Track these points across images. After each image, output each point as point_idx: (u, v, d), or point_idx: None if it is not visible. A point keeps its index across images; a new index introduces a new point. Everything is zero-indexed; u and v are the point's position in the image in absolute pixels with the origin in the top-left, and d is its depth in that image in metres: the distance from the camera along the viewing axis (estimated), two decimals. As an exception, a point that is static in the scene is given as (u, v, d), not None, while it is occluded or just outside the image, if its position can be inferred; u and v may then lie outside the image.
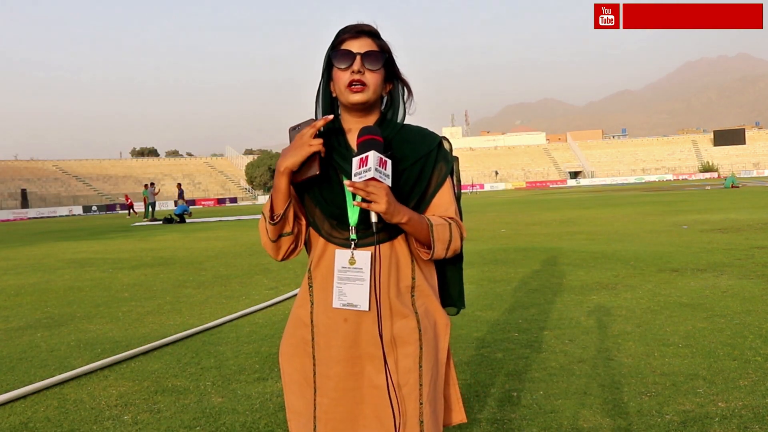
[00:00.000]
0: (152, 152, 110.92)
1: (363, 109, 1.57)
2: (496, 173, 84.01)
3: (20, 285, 8.42)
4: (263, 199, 69.25)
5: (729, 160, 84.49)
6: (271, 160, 74.23)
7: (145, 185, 31.43)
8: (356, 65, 1.52)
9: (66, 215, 53.45)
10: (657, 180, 74.45)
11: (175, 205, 26.25)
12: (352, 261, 1.50)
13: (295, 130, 1.51)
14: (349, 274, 1.50)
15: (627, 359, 3.74)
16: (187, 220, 25.69)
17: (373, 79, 1.53)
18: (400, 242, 1.54)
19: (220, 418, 3.15)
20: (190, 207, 34.03)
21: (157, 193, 30.25)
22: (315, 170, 1.49)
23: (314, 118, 1.54)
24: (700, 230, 11.07)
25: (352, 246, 1.50)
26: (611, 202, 23.97)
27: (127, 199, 40.57)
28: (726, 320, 4.53)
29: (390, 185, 1.44)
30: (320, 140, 1.47)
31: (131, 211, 39.50)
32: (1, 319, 6.10)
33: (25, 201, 60.40)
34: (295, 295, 6.65)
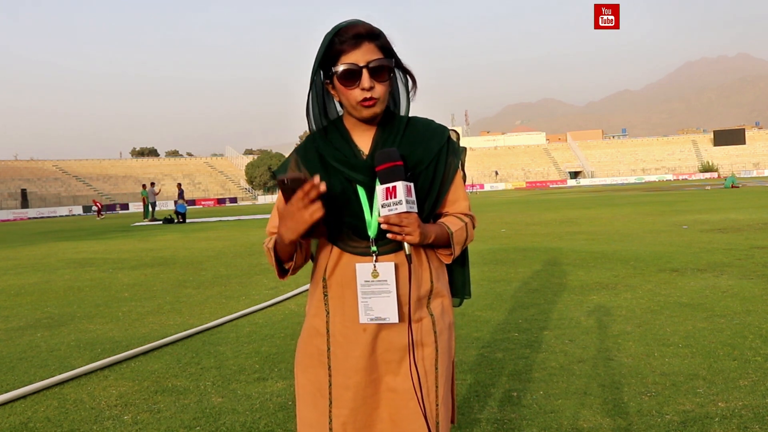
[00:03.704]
0: (152, 152, 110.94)
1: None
2: (496, 173, 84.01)
3: (20, 285, 8.42)
4: (263, 199, 69.15)
5: (729, 160, 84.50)
6: (271, 160, 74.24)
7: (144, 185, 31.42)
8: (365, 82, 1.43)
9: (66, 215, 53.45)
10: (657, 180, 74.46)
11: (175, 205, 26.32)
12: (375, 274, 1.45)
13: (285, 185, 1.35)
14: (374, 288, 1.45)
15: (627, 359, 3.74)
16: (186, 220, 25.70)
17: (383, 89, 1.47)
18: (416, 249, 1.52)
19: (220, 418, 3.14)
20: (188, 207, 34.06)
21: (157, 193, 30.26)
22: (322, 233, 1.43)
23: (301, 175, 1.34)
24: (700, 230, 11.07)
25: (375, 258, 1.46)
26: (611, 202, 23.97)
27: (95, 203, 40.93)
28: (726, 320, 4.53)
29: (417, 211, 1.43)
30: (319, 206, 1.34)
31: (98, 214, 39.64)
32: (1, 319, 6.10)
33: (25, 201, 60.40)
34: (295, 295, 6.59)
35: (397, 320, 1.46)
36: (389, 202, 1.40)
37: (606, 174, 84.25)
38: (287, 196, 1.36)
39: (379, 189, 1.41)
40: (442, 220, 1.55)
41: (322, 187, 1.34)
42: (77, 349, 4.71)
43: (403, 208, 1.38)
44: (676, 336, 4.18)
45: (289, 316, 5.49)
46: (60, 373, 3.99)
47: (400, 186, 1.39)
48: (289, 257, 1.49)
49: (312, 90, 1.51)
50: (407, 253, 1.42)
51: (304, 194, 1.33)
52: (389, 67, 1.47)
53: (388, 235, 1.41)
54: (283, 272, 1.52)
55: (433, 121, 1.60)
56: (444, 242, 1.51)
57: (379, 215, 1.43)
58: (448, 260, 1.55)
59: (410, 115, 1.59)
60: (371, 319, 1.46)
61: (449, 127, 1.61)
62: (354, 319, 1.49)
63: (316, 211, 1.34)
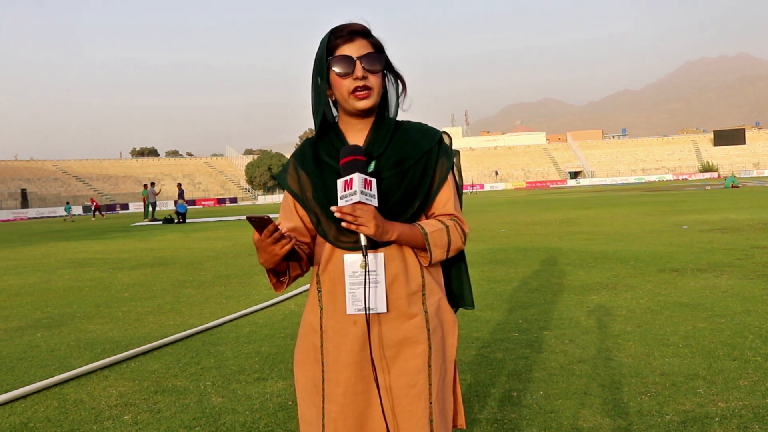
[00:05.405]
0: (152, 152, 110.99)
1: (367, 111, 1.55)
2: (496, 173, 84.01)
3: (20, 285, 8.42)
4: (263, 199, 69.17)
5: (729, 160, 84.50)
6: (271, 160, 74.24)
7: (145, 185, 31.44)
8: (358, 71, 1.48)
9: (66, 215, 53.43)
10: (657, 180, 74.47)
11: (175, 205, 26.36)
12: (363, 265, 1.48)
13: (253, 222, 1.42)
14: (362, 278, 1.48)
15: (627, 359, 3.74)
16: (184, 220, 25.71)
17: (376, 81, 1.51)
18: (402, 245, 1.53)
19: (220, 418, 3.14)
20: (188, 207, 34.19)
21: (158, 193, 30.26)
22: (300, 258, 1.55)
23: (264, 216, 1.40)
24: (700, 230, 11.07)
25: (364, 250, 1.48)
26: (611, 202, 23.97)
27: (92, 201, 41.48)
28: (726, 320, 4.53)
29: (376, 205, 1.45)
30: (286, 241, 1.42)
31: (96, 213, 39.98)
32: (1, 319, 6.10)
33: (25, 201, 60.43)
34: (295, 295, 6.61)
35: (385, 310, 1.48)
36: (346, 194, 1.44)
37: (606, 174, 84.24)
38: (258, 231, 1.46)
39: (339, 182, 1.46)
40: (419, 222, 1.55)
41: (282, 228, 1.43)
42: (77, 349, 4.71)
43: (356, 198, 1.41)
44: (676, 336, 4.18)
45: (289, 316, 5.50)
46: (60, 373, 3.99)
47: (356, 177, 1.42)
48: (282, 273, 1.56)
49: (314, 91, 1.56)
50: (363, 243, 1.44)
51: (269, 233, 1.41)
52: (380, 56, 1.52)
53: (342, 224, 1.44)
54: (279, 285, 1.58)
55: (426, 124, 1.65)
56: (417, 243, 1.51)
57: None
58: (425, 262, 1.55)
59: (408, 119, 1.63)
60: (358, 310, 1.48)
61: (443, 129, 1.65)
62: (344, 312, 1.51)
63: (284, 245, 1.42)
